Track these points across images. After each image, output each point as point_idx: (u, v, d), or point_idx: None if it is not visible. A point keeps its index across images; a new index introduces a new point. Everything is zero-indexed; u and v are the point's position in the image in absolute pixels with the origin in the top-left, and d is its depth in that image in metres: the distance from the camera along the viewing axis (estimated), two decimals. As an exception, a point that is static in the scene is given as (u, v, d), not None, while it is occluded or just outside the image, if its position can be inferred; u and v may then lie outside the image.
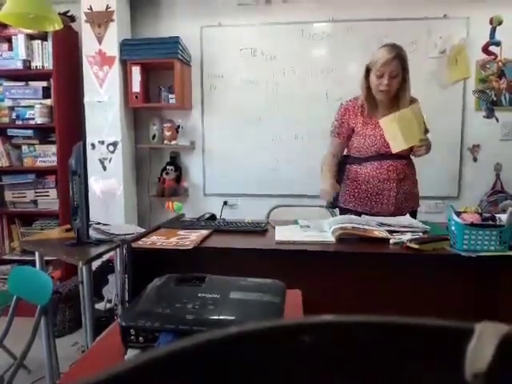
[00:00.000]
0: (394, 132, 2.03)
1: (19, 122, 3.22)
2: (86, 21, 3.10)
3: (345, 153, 2.28)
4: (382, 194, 2.11)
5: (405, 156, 2.13)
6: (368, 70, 2.07)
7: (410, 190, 2.17)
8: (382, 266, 1.56)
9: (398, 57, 2.00)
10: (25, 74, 3.18)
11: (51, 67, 3.13)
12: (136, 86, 3.15)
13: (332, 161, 2.20)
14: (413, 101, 2.11)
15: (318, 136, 3.06)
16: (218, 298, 0.83)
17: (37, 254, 2.19)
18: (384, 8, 3.14)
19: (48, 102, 3.19)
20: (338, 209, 2.33)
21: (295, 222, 1.97)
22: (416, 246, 1.52)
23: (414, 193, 2.21)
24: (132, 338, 0.77)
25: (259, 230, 1.84)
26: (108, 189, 3.20)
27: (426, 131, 2.16)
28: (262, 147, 3.34)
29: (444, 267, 1.56)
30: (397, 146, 2.05)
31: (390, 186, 2.09)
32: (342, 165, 2.24)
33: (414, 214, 2.17)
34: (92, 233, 2.08)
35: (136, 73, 3.14)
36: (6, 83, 3.21)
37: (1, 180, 3.30)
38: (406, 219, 1.99)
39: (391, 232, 1.73)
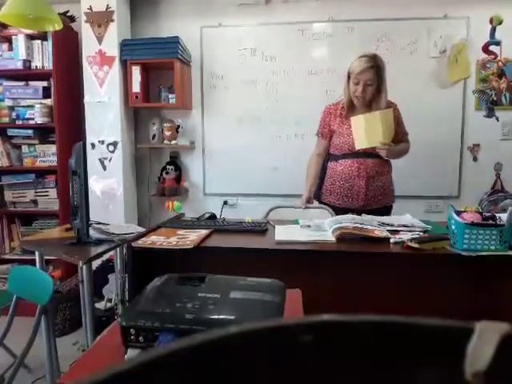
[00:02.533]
0: (359, 130, 2.21)
1: (19, 122, 3.22)
2: (85, 21, 3.10)
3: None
4: (352, 190, 2.28)
5: (377, 155, 2.26)
6: (349, 76, 2.25)
7: (382, 187, 2.31)
8: (383, 266, 1.56)
9: (375, 67, 2.17)
10: (25, 74, 3.17)
11: (51, 67, 3.13)
12: (136, 86, 3.15)
13: (317, 163, 2.43)
14: (389, 106, 2.26)
15: (318, 136, 3.07)
16: (218, 298, 0.83)
17: (37, 253, 2.19)
18: (384, 8, 3.14)
19: (48, 101, 3.19)
20: (316, 202, 2.49)
21: (295, 222, 1.97)
22: (416, 246, 1.52)
23: (387, 190, 2.35)
24: (132, 337, 0.77)
25: (259, 229, 1.84)
26: (108, 188, 3.20)
27: (405, 134, 2.40)
28: (261, 147, 3.34)
29: (444, 266, 1.56)
30: (359, 143, 2.22)
31: (359, 182, 2.26)
32: (326, 162, 2.43)
33: (388, 210, 2.35)
34: (92, 232, 2.08)
35: (136, 73, 3.14)
36: (6, 83, 3.20)
37: (1, 180, 3.30)
38: (407, 218, 1.99)
39: (392, 231, 1.73)
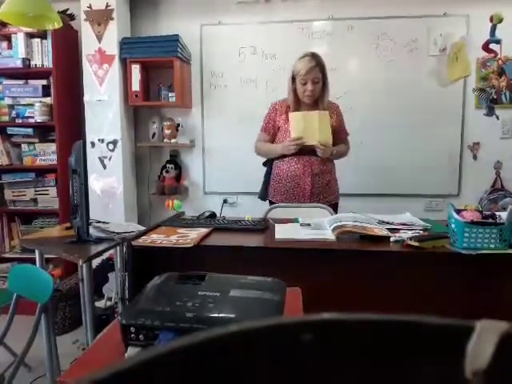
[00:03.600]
0: (297, 127, 2.28)
1: (19, 121, 3.21)
2: (85, 19, 3.10)
3: None
4: (298, 188, 2.34)
5: None
6: (293, 77, 2.32)
7: (327, 185, 2.38)
8: (383, 264, 1.56)
9: (318, 65, 2.26)
10: (24, 73, 3.17)
11: (51, 65, 3.12)
12: (136, 85, 3.15)
13: (263, 142, 2.51)
14: (328, 105, 2.37)
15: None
16: (218, 296, 0.83)
17: (37, 252, 2.19)
18: (384, 6, 3.13)
19: (48, 100, 3.18)
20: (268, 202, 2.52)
21: (295, 220, 1.97)
22: (416, 244, 1.52)
23: (332, 187, 2.42)
24: (132, 336, 0.77)
25: (259, 228, 1.84)
26: (108, 187, 3.20)
27: (346, 135, 2.48)
28: (261, 145, 3.33)
29: (444, 265, 1.56)
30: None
31: (305, 180, 2.32)
32: (271, 161, 2.49)
33: (334, 207, 2.38)
34: (92, 231, 2.08)
35: (136, 71, 3.14)
36: (5, 81, 3.20)
37: (1, 178, 3.29)
38: (407, 217, 1.99)
39: (391, 230, 1.73)
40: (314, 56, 2.28)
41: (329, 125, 2.29)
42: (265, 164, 2.57)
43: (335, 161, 2.49)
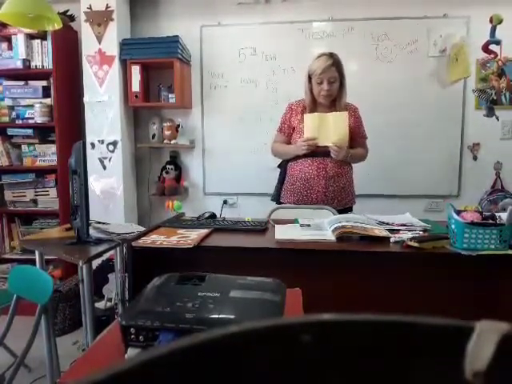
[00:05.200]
0: (312, 128, 2.24)
1: (19, 122, 3.22)
2: (85, 20, 3.10)
3: None
4: (311, 190, 2.29)
5: None
6: (310, 77, 2.28)
7: (343, 188, 2.31)
8: (383, 265, 1.56)
9: (335, 64, 2.23)
10: (24, 74, 3.17)
11: (51, 66, 3.13)
12: (136, 86, 3.15)
13: (279, 143, 2.44)
14: (346, 107, 2.31)
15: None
16: (218, 297, 0.83)
17: (37, 252, 2.19)
18: (384, 7, 3.14)
19: (48, 101, 3.18)
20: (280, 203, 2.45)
21: (295, 221, 1.97)
22: (416, 245, 1.52)
23: (347, 191, 2.35)
24: (132, 336, 0.77)
25: (259, 228, 1.84)
26: (108, 188, 3.20)
27: (364, 138, 2.42)
28: (261, 146, 3.33)
29: (444, 266, 1.56)
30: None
31: (318, 182, 2.26)
32: (285, 163, 2.43)
33: (349, 211, 2.32)
34: (92, 232, 2.08)
35: (136, 72, 3.14)
36: (5, 82, 3.20)
37: (1, 179, 3.29)
38: (406, 217, 1.99)
39: (391, 230, 1.73)
40: (331, 55, 2.25)
41: (346, 126, 2.23)
42: (279, 166, 2.51)
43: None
